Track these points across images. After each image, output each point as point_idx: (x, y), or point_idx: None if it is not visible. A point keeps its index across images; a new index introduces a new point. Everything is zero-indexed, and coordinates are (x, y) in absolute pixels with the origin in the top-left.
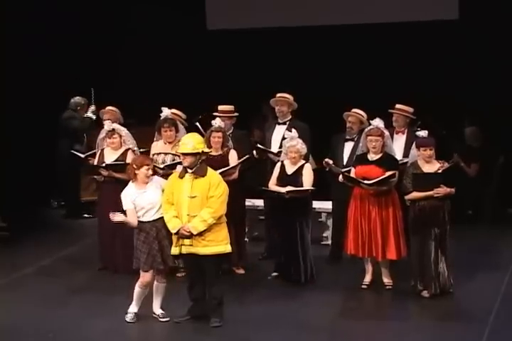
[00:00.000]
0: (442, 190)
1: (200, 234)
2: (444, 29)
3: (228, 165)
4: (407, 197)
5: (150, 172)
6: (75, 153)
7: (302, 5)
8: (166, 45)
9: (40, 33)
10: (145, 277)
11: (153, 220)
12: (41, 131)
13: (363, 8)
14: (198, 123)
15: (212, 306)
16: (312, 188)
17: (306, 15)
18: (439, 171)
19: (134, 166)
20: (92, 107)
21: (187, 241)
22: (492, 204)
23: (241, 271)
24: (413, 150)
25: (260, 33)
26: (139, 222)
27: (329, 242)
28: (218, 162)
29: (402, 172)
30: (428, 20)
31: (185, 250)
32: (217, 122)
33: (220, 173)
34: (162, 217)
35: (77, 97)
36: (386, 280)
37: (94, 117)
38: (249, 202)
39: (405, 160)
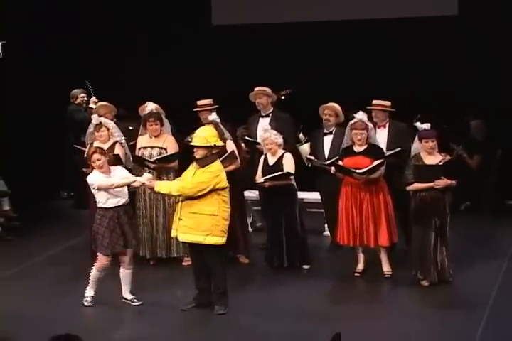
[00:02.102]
0: (443, 182)
1: (184, 220)
2: (443, 25)
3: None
4: (408, 187)
5: (99, 163)
6: (78, 147)
7: (306, 1)
8: (171, 40)
9: (40, 33)
10: (103, 261)
11: (115, 207)
12: (48, 125)
13: (363, 3)
14: None
15: (216, 295)
16: (288, 172)
17: (309, 11)
18: (441, 163)
19: (90, 161)
20: (93, 98)
21: (174, 225)
22: (490, 196)
23: (245, 260)
24: (415, 143)
25: (267, 29)
26: (103, 208)
27: None
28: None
29: (390, 165)
30: (427, 16)
31: (175, 234)
32: (211, 116)
33: None
34: (123, 204)
35: (75, 89)
36: (386, 268)
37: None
38: (253, 194)
39: (388, 153)
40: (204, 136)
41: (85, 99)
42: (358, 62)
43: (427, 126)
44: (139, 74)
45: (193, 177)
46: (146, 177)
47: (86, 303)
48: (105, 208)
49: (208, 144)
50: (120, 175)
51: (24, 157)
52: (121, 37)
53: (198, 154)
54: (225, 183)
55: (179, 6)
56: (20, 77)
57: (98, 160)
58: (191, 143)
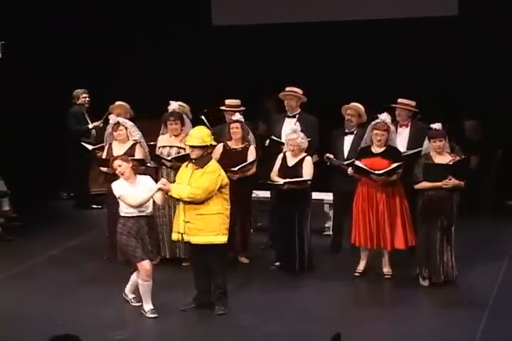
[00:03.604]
0: (451, 182)
1: (192, 222)
2: (443, 25)
3: (246, 160)
4: (416, 186)
5: (121, 170)
6: (84, 144)
7: (306, 1)
8: (171, 40)
9: (40, 33)
10: (144, 266)
11: (137, 216)
12: (48, 125)
13: (363, 4)
14: (203, 117)
15: (216, 295)
16: (309, 179)
17: (309, 12)
18: (450, 163)
19: (112, 168)
20: (97, 123)
21: (181, 229)
22: (490, 196)
23: (245, 261)
24: (425, 143)
25: (267, 29)
26: (125, 217)
27: (330, 233)
28: (237, 156)
29: (408, 164)
30: (427, 16)
31: (181, 237)
32: (236, 116)
33: (238, 170)
34: (145, 215)
35: (77, 90)
36: (386, 269)
37: (93, 131)
38: (253, 194)
39: (408, 152)
40: (200, 135)
41: (87, 99)
42: (358, 63)
43: (437, 125)
44: (139, 75)
45: (196, 181)
46: (161, 181)
47: (151, 315)
48: (126, 217)
49: (204, 144)
50: (145, 185)
51: (24, 157)
52: (121, 37)
53: (194, 154)
54: (226, 179)
55: (179, 6)
56: (20, 77)
57: (119, 166)
58: (187, 143)
